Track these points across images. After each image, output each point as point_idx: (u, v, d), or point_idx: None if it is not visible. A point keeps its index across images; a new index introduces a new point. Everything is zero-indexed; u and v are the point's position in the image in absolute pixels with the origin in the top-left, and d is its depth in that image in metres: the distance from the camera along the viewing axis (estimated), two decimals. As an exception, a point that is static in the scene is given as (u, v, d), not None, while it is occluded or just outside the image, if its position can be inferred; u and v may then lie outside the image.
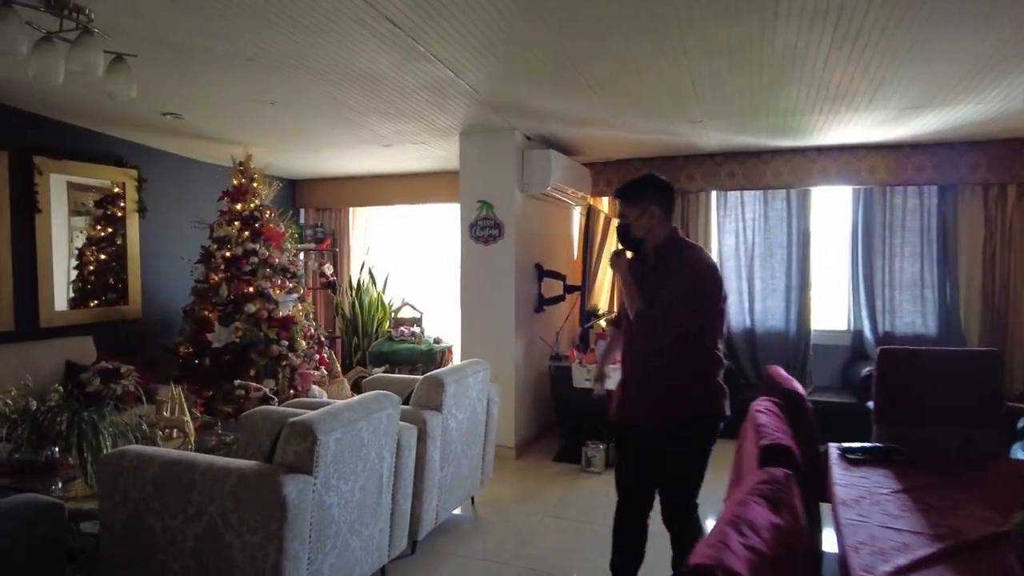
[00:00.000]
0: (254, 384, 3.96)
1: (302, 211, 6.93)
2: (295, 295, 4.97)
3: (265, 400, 3.84)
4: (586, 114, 3.98)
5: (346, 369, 6.11)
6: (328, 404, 3.25)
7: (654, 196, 2.27)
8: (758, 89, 3.49)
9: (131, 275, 4.98)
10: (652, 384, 2.26)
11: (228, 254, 4.79)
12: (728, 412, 2.29)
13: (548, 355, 4.84)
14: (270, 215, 5.03)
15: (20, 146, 4.17)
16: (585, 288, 4.54)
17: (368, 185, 6.52)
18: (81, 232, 5.01)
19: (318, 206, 6.79)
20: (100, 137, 4.69)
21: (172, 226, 5.21)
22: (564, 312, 5.49)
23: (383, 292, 6.46)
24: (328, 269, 6.38)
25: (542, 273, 4.79)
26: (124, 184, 4.89)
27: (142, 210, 5.02)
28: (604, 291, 5.63)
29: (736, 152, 5.25)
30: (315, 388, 4.89)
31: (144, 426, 3.19)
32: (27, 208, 4.24)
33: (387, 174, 6.37)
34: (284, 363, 4.77)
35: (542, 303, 4.83)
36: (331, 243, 6.60)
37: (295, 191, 6.84)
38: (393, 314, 6.23)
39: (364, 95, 3.67)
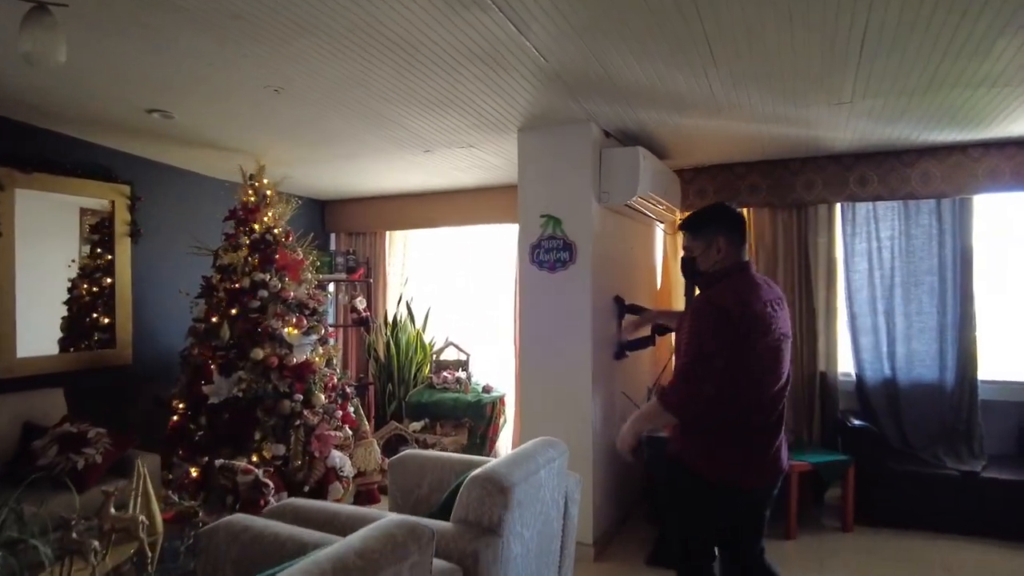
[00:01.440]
0: (242, 464, 2.97)
1: (332, 236, 6.05)
2: (314, 336, 4.01)
3: (256, 488, 2.83)
4: (693, 92, 2.92)
5: (380, 422, 5.11)
6: (335, 510, 2.23)
7: (722, 227, 2.10)
8: (964, 41, 2.37)
9: (120, 312, 4.12)
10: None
11: (233, 286, 3.88)
12: (742, 486, 2.03)
13: (633, 416, 3.71)
14: (287, 239, 4.12)
15: (-25, 154, 3.38)
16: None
17: (407, 205, 5.59)
18: (73, 263, 4.22)
19: (350, 230, 5.89)
20: (84, 146, 3.88)
21: (171, 253, 4.35)
22: (652, 359, 4.36)
23: (423, 330, 5.47)
24: (360, 303, 5.43)
25: (623, 308, 3.70)
26: (114, 203, 4.07)
27: (135, 234, 4.17)
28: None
29: (871, 152, 4.08)
30: (336, 454, 3.89)
31: (75, 534, 2.22)
32: (-16, 231, 3.43)
33: (429, 191, 5.43)
34: (298, 423, 3.79)
35: (624, 348, 3.72)
36: (364, 272, 5.67)
37: (324, 213, 5.97)
38: (434, 356, 5.22)
39: (394, 72, 2.71)
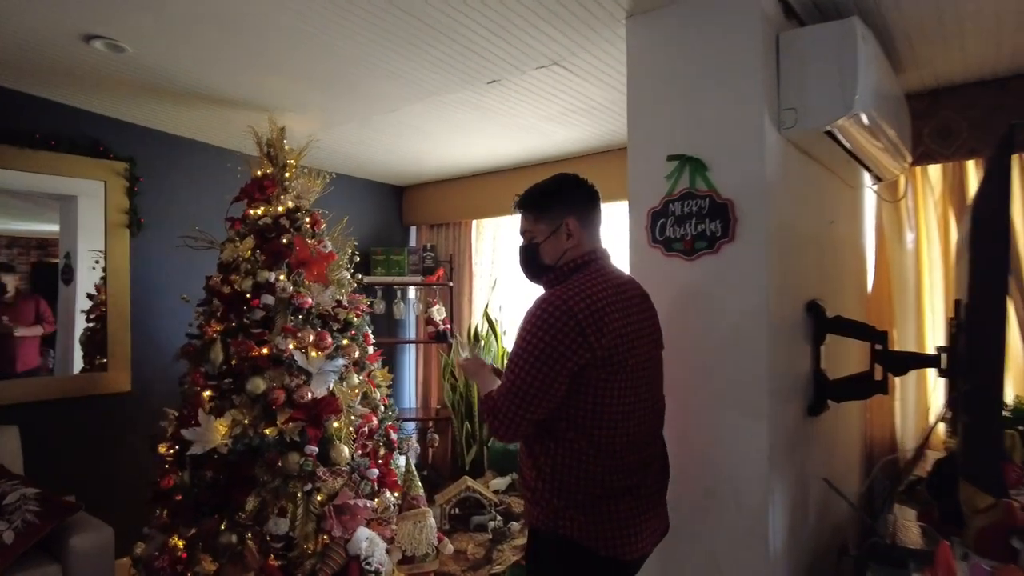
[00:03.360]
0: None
1: (412, 230, 4.92)
2: (341, 361, 2.82)
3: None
4: None
5: (455, 474, 3.84)
6: None
7: (573, 205, 1.59)
8: None
9: (114, 325, 3.21)
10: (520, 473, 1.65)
11: (229, 291, 2.80)
12: (630, 555, 1.47)
13: (854, 526, 2.10)
14: (313, 226, 2.99)
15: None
16: (986, 356, 1.69)
17: (495, 185, 4.30)
18: (97, 264, 3.43)
19: (431, 221, 4.72)
20: (63, 111, 3.00)
21: (180, 248, 3.39)
22: (866, 412, 2.66)
23: (517, 349, 4.12)
24: (438, 312, 4.23)
25: (825, 325, 2.10)
26: (105, 184, 3.17)
27: (134, 224, 3.26)
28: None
29: None
30: (363, 535, 2.65)
31: None
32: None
33: (522, 164, 4.10)
34: (309, 487, 2.60)
35: (826, 393, 2.11)
36: (445, 273, 4.46)
37: (402, 202, 4.86)
38: (529, 386, 3.85)
39: None
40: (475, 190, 4.41)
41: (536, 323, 1.42)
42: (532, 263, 1.62)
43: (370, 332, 3.15)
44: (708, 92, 1.88)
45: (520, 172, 4.17)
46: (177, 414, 2.83)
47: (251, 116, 3.02)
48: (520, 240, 1.65)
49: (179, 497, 2.68)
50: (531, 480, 1.54)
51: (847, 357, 2.36)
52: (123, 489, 3.03)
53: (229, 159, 3.52)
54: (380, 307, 4.35)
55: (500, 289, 4.37)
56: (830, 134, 1.91)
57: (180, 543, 2.66)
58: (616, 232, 3.85)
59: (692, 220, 1.89)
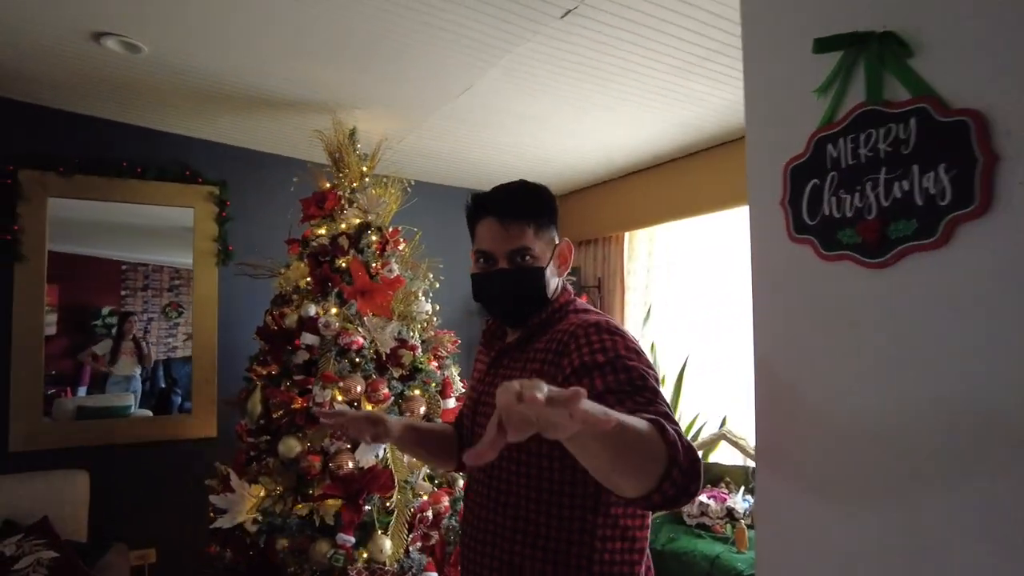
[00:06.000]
0: None
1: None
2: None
3: None
4: None
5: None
6: None
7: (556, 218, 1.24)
8: None
9: (199, 364, 2.94)
10: None
11: (275, 327, 2.31)
12: None
13: None
14: (382, 246, 2.40)
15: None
16: None
17: (647, 184, 3.36)
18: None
19: (580, 237, 3.89)
20: (150, 136, 2.84)
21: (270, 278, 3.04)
22: None
23: (676, 399, 3.07)
24: (579, 351, 3.37)
25: None
26: (194, 211, 2.94)
27: (223, 254, 2.98)
28: None
29: None
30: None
31: None
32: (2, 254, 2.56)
33: (677, 153, 3.11)
34: (340, 593, 1.95)
35: None
36: (589, 302, 3.59)
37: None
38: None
39: None
40: (623, 194, 3.51)
41: (630, 340, 1.05)
42: (536, 293, 1.17)
43: (455, 378, 2.44)
44: None
45: (677, 165, 3.17)
46: (227, 473, 2.41)
47: (320, 119, 2.55)
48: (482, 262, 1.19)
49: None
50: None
51: None
52: (203, 546, 2.70)
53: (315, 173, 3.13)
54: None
55: (655, 321, 3.37)
56: None
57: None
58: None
59: (880, 173, 0.84)
